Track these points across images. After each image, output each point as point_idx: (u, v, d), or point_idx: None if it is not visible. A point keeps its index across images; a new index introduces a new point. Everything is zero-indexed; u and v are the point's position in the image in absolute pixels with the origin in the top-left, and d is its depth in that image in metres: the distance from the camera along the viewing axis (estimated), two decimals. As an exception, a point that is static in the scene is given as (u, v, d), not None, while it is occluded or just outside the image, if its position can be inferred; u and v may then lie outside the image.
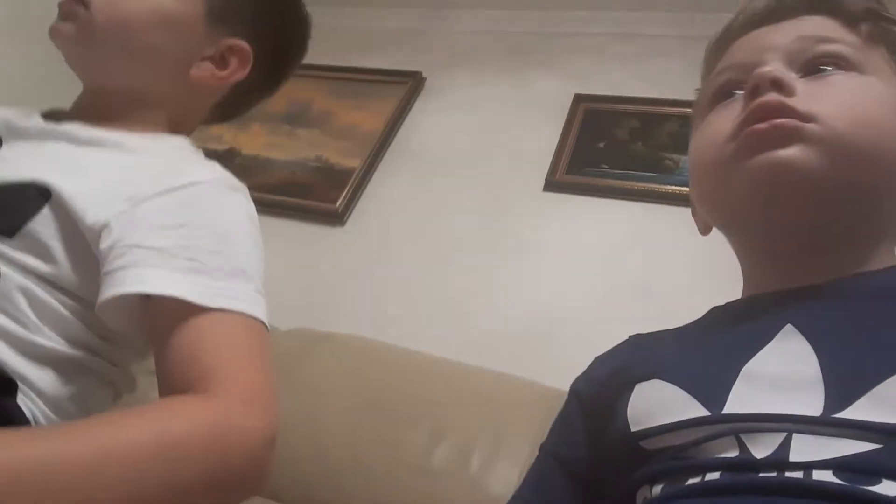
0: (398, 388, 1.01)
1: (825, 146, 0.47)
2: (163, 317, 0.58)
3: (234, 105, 0.86)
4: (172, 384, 0.55)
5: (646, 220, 1.50)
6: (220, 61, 0.78)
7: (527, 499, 0.57)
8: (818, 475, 0.37)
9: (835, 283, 0.49)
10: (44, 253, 0.61)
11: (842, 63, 0.52)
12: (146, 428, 0.49)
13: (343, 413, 0.96)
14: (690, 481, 0.41)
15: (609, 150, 1.64)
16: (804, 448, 0.38)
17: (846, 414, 0.39)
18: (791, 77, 0.51)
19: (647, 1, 1.81)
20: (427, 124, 1.83)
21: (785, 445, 0.39)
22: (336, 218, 1.66)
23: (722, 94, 0.56)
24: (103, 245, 0.60)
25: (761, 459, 0.39)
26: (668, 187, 1.51)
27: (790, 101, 0.48)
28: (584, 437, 0.56)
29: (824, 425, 0.39)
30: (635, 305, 1.35)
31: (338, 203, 1.68)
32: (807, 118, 0.48)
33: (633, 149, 1.63)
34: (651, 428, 0.46)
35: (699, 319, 0.58)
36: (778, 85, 0.49)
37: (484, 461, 0.87)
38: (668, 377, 0.48)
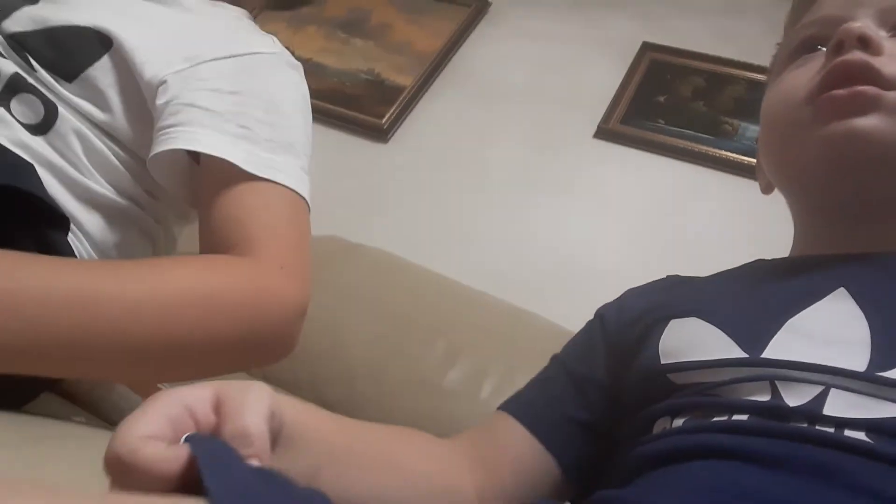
0: (419, 306, 1.02)
1: None
2: (210, 177, 0.59)
3: None
4: (214, 244, 0.57)
5: (694, 183, 1.46)
6: None
7: (529, 397, 0.56)
8: (850, 433, 0.36)
9: (892, 255, 0.47)
10: (100, 101, 0.61)
11: None
12: (188, 275, 0.51)
13: (363, 321, 0.97)
14: (716, 419, 0.40)
15: (669, 105, 1.58)
16: (840, 403, 0.37)
17: (892, 374, 0.37)
18: (880, 35, 0.47)
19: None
20: (485, 52, 1.78)
21: (821, 398, 0.38)
22: (381, 134, 1.65)
23: (804, 48, 0.53)
24: (159, 101, 0.60)
25: (793, 407, 0.38)
26: (723, 153, 1.46)
27: (875, 62, 0.46)
28: (605, 363, 0.54)
29: (865, 382, 0.38)
30: (666, 265, 1.32)
31: (384, 119, 1.66)
32: (890, 84, 0.45)
33: (694, 108, 1.57)
34: (683, 362, 0.45)
35: (742, 267, 0.56)
36: (864, 42, 0.46)
37: (494, 388, 0.88)
38: (708, 317, 0.47)
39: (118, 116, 0.62)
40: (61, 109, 0.60)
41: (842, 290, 0.44)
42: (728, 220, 1.37)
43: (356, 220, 1.49)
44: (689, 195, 1.44)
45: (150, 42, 0.62)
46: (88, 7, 0.65)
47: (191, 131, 0.58)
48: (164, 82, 0.61)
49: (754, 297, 0.48)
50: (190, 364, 0.51)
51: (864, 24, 0.48)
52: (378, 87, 1.75)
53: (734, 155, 1.45)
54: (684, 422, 0.42)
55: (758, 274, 0.53)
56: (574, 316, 0.65)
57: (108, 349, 0.47)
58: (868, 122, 0.45)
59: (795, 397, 0.39)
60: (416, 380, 0.90)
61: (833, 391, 0.38)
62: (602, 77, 1.65)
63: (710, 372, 0.43)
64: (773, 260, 0.55)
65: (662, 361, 0.47)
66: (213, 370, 0.53)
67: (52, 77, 0.61)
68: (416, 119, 1.69)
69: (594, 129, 1.57)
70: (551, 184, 1.51)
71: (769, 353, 0.42)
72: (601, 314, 0.59)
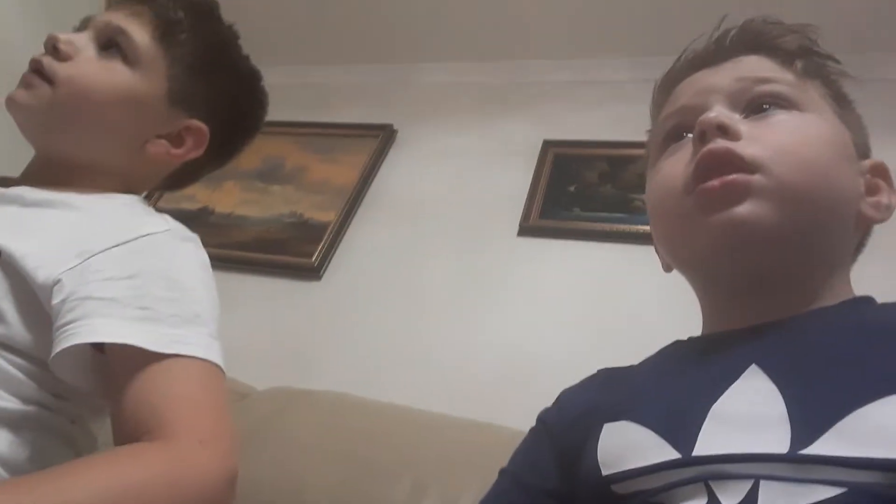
0: (380, 442, 0.99)
1: (774, 196, 0.50)
2: (117, 366, 0.58)
3: (183, 177, 0.88)
4: (129, 432, 0.55)
5: (618, 261, 1.51)
6: (176, 139, 0.81)
7: None
8: None
9: (794, 320, 0.50)
10: None
11: (781, 101, 0.54)
12: (102, 476, 0.49)
13: (324, 470, 0.94)
14: None
15: (580, 193, 1.67)
16: (771, 496, 0.38)
17: (812, 450, 0.39)
18: (735, 119, 0.53)
19: (608, 47, 1.87)
20: (400, 175, 1.86)
21: (752, 494, 0.39)
22: (313, 272, 1.66)
23: (672, 137, 0.58)
24: (55, 301, 0.60)
25: None
26: (639, 227, 1.54)
27: (736, 147, 0.51)
28: (555, 469, 0.55)
29: (791, 464, 0.39)
30: (611, 347, 1.34)
31: (314, 257, 1.68)
32: (753, 167, 0.50)
33: (603, 191, 1.66)
34: (622, 472, 0.46)
35: (662, 351, 0.59)
36: (723, 130, 0.52)
37: (469, 514, 0.85)
38: (638, 418, 0.48)
39: (14, 326, 0.61)
40: None
41: (753, 366, 0.46)
42: (658, 289, 1.41)
43: (302, 364, 1.47)
44: (616, 273, 1.49)
45: (39, 247, 0.63)
46: None
47: (89, 324, 0.58)
48: (58, 281, 0.61)
49: (679, 387, 0.50)
50: None
51: (719, 111, 0.53)
52: (303, 228, 1.78)
53: (647, 227, 1.52)
54: None
55: (677, 358, 0.56)
56: (531, 415, 0.65)
57: None
58: (744, 210, 0.49)
59: (729, 497, 0.40)
60: (387, 523, 0.86)
61: (763, 484, 0.39)
62: (513, 178, 1.73)
63: (649, 478, 0.44)
64: (690, 340, 0.58)
65: (603, 473, 0.48)
66: None
67: None
68: (345, 251, 1.72)
69: (516, 228, 1.63)
70: (486, 289, 1.54)
71: (699, 449, 0.43)
72: (543, 419, 0.60)
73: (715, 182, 0.50)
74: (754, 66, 0.57)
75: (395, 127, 1.96)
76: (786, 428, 0.41)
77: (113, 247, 0.65)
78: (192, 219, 1.85)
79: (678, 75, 0.62)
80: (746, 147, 0.51)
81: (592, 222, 1.59)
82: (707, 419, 0.44)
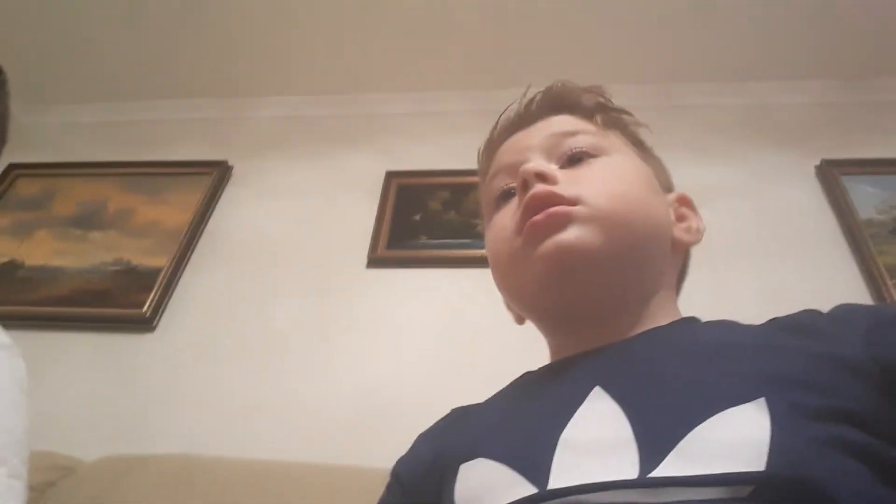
0: (230, 502, 0.91)
1: (595, 223, 0.54)
2: None
3: None
4: None
5: (467, 286, 1.54)
6: None
7: None
8: None
9: (632, 340, 0.53)
10: None
11: (590, 150, 0.60)
12: None
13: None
14: None
15: (425, 221, 1.68)
16: None
17: (659, 472, 0.41)
18: (552, 168, 0.58)
19: (443, 80, 1.93)
20: (238, 214, 1.76)
21: None
22: (145, 323, 1.52)
23: (501, 197, 0.63)
24: None
25: None
26: (483, 251, 1.58)
27: (556, 189, 0.55)
28: None
29: (643, 489, 0.40)
30: (465, 374, 1.36)
31: (145, 307, 1.53)
32: (573, 201, 0.54)
33: (447, 218, 1.69)
34: None
35: (513, 383, 0.60)
36: (542, 177, 0.56)
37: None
38: (492, 454, 0.48)
39: None
40: None
41: (597, 388, 0.48)
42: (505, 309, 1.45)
43: (137, 428, 1.34)
44: (466, 297, 1.52)
45: None
46: None
47: None
48: None
49: (528, 417, 0.51)
50: None
51: (536, 162, 0.58)
52: (131, 275, 1.63)
53: (495, 251, 1.57)
54: None
55: (526, 389, 0.56)
56: (393, 452, 0.63)
57: None
58: (568, 235, 0.53)
59: None
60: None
61: None
62: (358, 211, 1.71)
63: None
64: (538, 370, 0.59)
65: None
66: None
67: None
68: (181, 298, 1.59)
69: (365, 260, 1.60)
70: (338, 326, 1.50)
71: (553, 481, 0.43)
72: (396, 472, 0.59)
73: (539, 216, 0.54)
74: (562, 123, 0.63)
75: (231, 163, 1.87)
76: (634, 450, 0.42)
77: None
78: (-5, 275, 1.62)
79: (497, 141, 0.67)
80: (566, 188, 0.55)
81: (439, 249, 1.61)
82: (557, 448, 0.45)
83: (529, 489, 0.44)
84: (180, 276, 1.62)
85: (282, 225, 1.71)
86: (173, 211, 1.76)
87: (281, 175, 1.85)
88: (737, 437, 0.40)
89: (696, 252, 0.67)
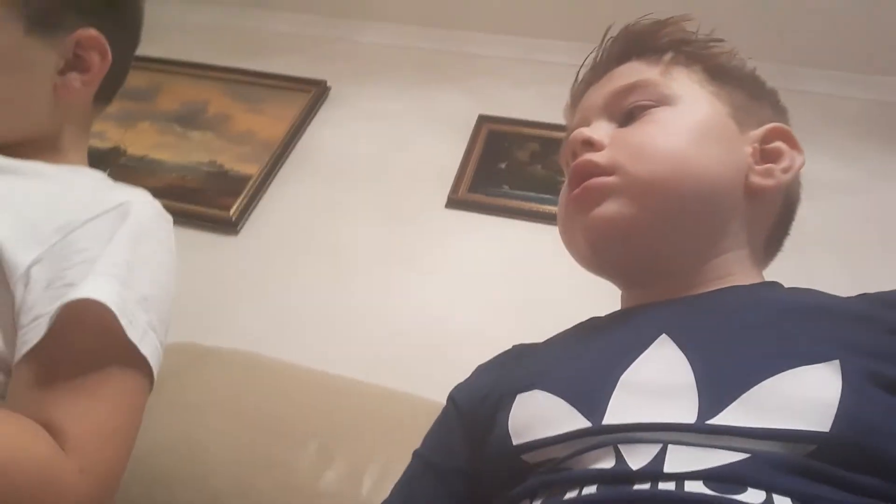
0: (285, 407, 0.96)
1: (630, 193, 0.53)
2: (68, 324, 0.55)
3: (112, 83, 0.78)
4: (30, 398, 0.54)
5: (542, 240, 1.53)
6: (78, 61, 0.71)
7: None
8: (690, 486, 0.38)
9: (706, 295, 0.53)
10: None
11: (647, 103, 0.57)
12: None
13: (225, 434, 0.90)
14: (568, 496, 0.41)
15: (510, 170, 1.67)
16: (678, 459, 0.40)
17: (718, 420, 0.41)
18: (600, 134, 0.57)
19: (549, 28, 1.87)
20: (330, 134, 1.80)
21: (660, 456, 0.40)
22: (230, 226, 1.59)
23: (572, 158, 0.61)
24: (34, 285, 0.56)
25: (636, 471, 0.40)
26: (565, 210, 1.56)
27: (596, 157, 0.55)
28: (464, 448, 0.56)
29: (698, 433, 0.41)
30: (528, 323, 1.36)
31: (231, 211, 1.60)
32: (611, 170, 0.54)
33: (533, 171, 1.67)
34: (533, 441, 0.47)
35: (578, 325, 0.60)
36: (589, 144, 0.56)
37: (375, 482, 0.84)
38: (549, 387, 0.49)
39: None
40: None
41: (664, 336, 0.48)
42: (579, 271, 1.44)
43: (212, 320, 1.41)
44: (539, 251, 1.51)
45: (16, 222, 0.58)
46: None
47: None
48: (38, 261, 0.57)
49: (590, 357, 0.52)
50: None
51: (588, 129, 0.57)
52: (222, 179, 1.70)
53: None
54: (541, 503, 0.43)
55: (590, 332, 0.57)
56: (447, 387, 0.65)
57: None
58: (603, 209, 0.54)
59: (637, 459, 0.41)
60: (291, 487, 0.83)
61: (670, 447, 0.40)
62: (445, 150, 1.71)
63: (560, 447, 0.45)
64: (605, 316, 0.59)
65: (514, 442, 0.48)
66: None
67: None
68: (265, 207, 1.65)
69: (444, 199, 1.61)
70: (409, 257, 1.52)
71: (609, 418, 0.44)
72: (453, 397, 0.61)
73: (578, 190, 0.55)
74: (624, 75, 0.60)
75: (329, 84, 1.89)
76: (693, 397, 0.42)
77: (95, 217, 0.61)
78: (100, 159, 1.72)
79: (576, 95, 0.66)
80: (606, 154, 0.55)
81: (520, 201, 1.60)
82: (616, 388, 0.46)
83: (583, 423, 0.45)
84: (268, 186, 1.68)
85: (370, 150, 1.74)
86: (269, 122, 1.81)
87: (376, 102, 1.86)
88: (804, 395, 0.40)
89: (787, 243, 0.63)
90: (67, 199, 0.63)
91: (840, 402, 0.39)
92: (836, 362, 0.41)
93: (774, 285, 0.56)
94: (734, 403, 0.41)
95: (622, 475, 0.40)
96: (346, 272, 1.51)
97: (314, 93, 1.86)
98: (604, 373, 0.47)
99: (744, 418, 0.40)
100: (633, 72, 0.60)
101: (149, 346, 0.58)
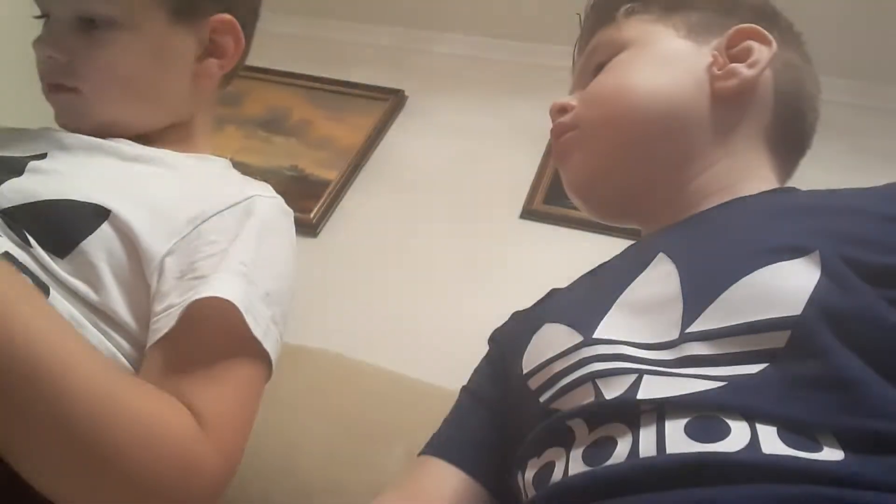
0: (372, 408, 0.99)
1: (588, 141, 0.58)
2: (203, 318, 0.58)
3: (236, 66, 0.81)
4: (166, 384, 0.56)
5: (617, 252, 1.52)
6: (214, 47, 0.74)
7: (448, 434, 0.60)
8: (670, 431, 0.37)
9: (705, 212, 0.54)
10: (93, 278, 0.58)
11: (606, 58, 0.61)
12: (143, 406, 0.52)
13: (316, 431, 0.94)
14: (554, 477, 0.42)
15: (585, 183, 1.67)
16: (651, 386, 0.40)
17: (696, 326, 0.41)
18: (568, 99, 0.62)
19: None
20: (406, 143, 1.83)
21: (635, 385, 0.41)
22: (310, 228, 1.64)
23: None
24: (168, 275, 0.60)
25: (611, 400, 0.41)
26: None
27: (564, 118, 0.60)
28: (501, 383, 0.58)
29: (669, 349, 0.41)
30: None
31: (312, 214, 1.65)
32: (572, 126, 0.59)
33: (609, 184, 1.66)
34: (535, 366, 0.49)
35: (599, 266, 0.63)
36: (563, 110, 0.61)
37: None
38: (554, 318, 0.52)
39: (112, 294, 0.59)
40: (53, 291, 0.56)
41: (661, 254, 0.49)
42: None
43: (293, 319, 1.46)
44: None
45: (150, 210, 0.61)
46: (79, 177, 0.63)
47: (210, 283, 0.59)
48: (170, 253, 0.60)
49: (593, 286, 0.55)
50: (97, 482, 0.50)
51: (562, 99, 0.62)
52: (303, 183, 1.76)
53: (651, 226, 1.53)
54: (532, 478, 0.45)
55: (604, 265, 0.60)
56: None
57: (47, 420, 0.47)
58: (572, 162, 0.60)
59: (613, 390, 0.42)
60: (379, 486, 0.86)
61: (645, 377, 0.41)
62: (521, 161, 1.72)
63: (553, 365, 0.47)
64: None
65: (523, 371, 0.51)
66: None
67: (45, 253, 0.57)
68: (343, 212, 1.70)
69: (519, 210, 1.63)
70: (483, 267, 1.54)
71: (598, 333, 0.46)
72: (493, 338, 0.67)
73: (553, 151, 0.62)
74: (592, 42, 0.64)
75: (407, 93, 1.93)
76: (679, 306, 0.43)
77: (224, 210, 0.64)
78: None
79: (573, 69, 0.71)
80: (571, 114, 0.60)
81: (595, 214, 1.60)
82: (612, 308, 0.47)
83: (577, 338, 0.47)
84: (346, 192, 1.73)
85: (445, 159, 1.77)
86: (349, 129, 1.86)
87: (452, 113, 1.89)
88: (780, 287, 0.39)
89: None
90: (197, 190, 0.65)
91: (815, 287, 0.38)
92: (816, 253, 0.40)
93: (787, 191, 0.55)
94: (710, 306, 0.41)
95: (600, 406, 0.42)
96: (422, 277, 1.54)
97: (392, 102, 1.90)
98: (603, 296, 0.49)
99: (720, 320, 0.40)
100: (597, 37, 0.64)
101: (270, 341, 0.61)
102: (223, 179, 0.71)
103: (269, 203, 0.68)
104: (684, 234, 0.51)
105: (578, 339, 0.46)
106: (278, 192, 0.73)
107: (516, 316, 0.67)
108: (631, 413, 0.39)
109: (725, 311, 0.40)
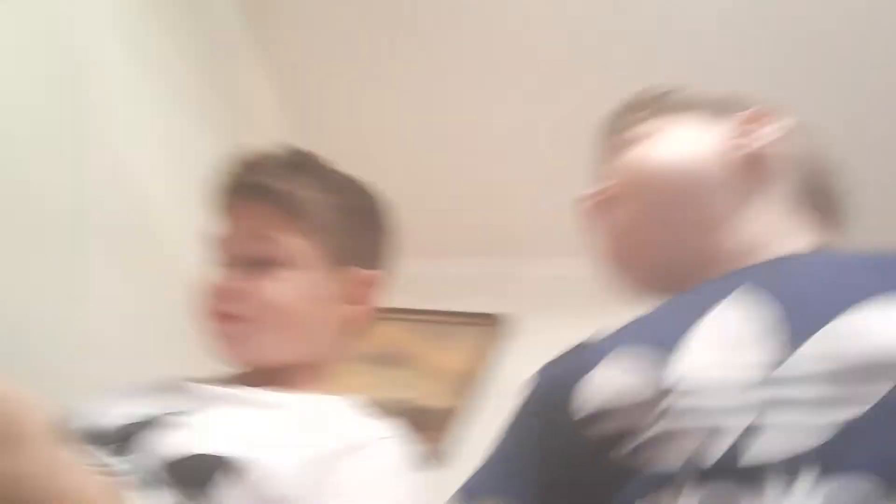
0: None
1: (624, 201, 0.68)
2: None
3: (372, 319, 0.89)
4: None
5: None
6: (360, 296, 0.83)
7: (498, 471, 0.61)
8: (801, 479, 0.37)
9: (768, 262, 0.56)
10: None
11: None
12: None
13: None
14: None
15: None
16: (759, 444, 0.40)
17: (786, 365, 0.41)
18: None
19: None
20: (515, 364, 1.88)
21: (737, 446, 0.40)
22: (434, 459, 1.63)
23: None
24: None
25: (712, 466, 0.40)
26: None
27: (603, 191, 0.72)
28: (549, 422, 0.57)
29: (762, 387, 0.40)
30: None
31: (436, 444, 1.65)
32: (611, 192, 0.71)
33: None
34: (594, 414, 0.49)
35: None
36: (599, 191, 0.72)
37: None
38: (627, 342, 0.52)
39: None
40: None
41: (742, 287, 0.50)
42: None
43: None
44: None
45: (270, 456, 0.63)
46: (212, 430, 0.67)
47: None
48: (298, 496, 0.62)
49: (668, 310, 0.56)
50: None
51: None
52: (418, 414, 1.78)
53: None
54: None
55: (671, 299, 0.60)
56: None
57: None
58: (610, 225, 0.73)
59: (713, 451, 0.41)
60: None
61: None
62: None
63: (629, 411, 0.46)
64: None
65: (575, 418, 0.50)
66: None
67: None
68: (468, 440, 1.69)
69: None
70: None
71: (673, 367, 0.45)
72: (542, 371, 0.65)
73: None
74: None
75: (505, 317, 2.02)
76: (772, 341, 0.43)
77: (349, 450, 0.66)
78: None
79: None
80: (609, 187, 0.72)
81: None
82: (691, 332, 0.47)
83: (647, 385, 0.46)
84: (462, 420, 1.74)
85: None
86: (455, 357, 1.92)
87: (549, 331, 1.94)
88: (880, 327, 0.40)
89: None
90: (324, 430, 0.68)
91: None
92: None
93: (824, 248, 0.59)
94: (808, 342, 0.41)
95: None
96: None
97: (496, 326, 1.98)
98: (681, 318, 0.50)
99: (817, 362, 0.40)
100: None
101: None
102: (349, 419, 0.74)
103: (394, 444, 0.71)
104: (759, 273, 0.53)
105: (648, 387, 0.46)
106: (398, 426, 0.74)
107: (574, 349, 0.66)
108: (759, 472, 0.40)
109: (824, 347, 0.41)
